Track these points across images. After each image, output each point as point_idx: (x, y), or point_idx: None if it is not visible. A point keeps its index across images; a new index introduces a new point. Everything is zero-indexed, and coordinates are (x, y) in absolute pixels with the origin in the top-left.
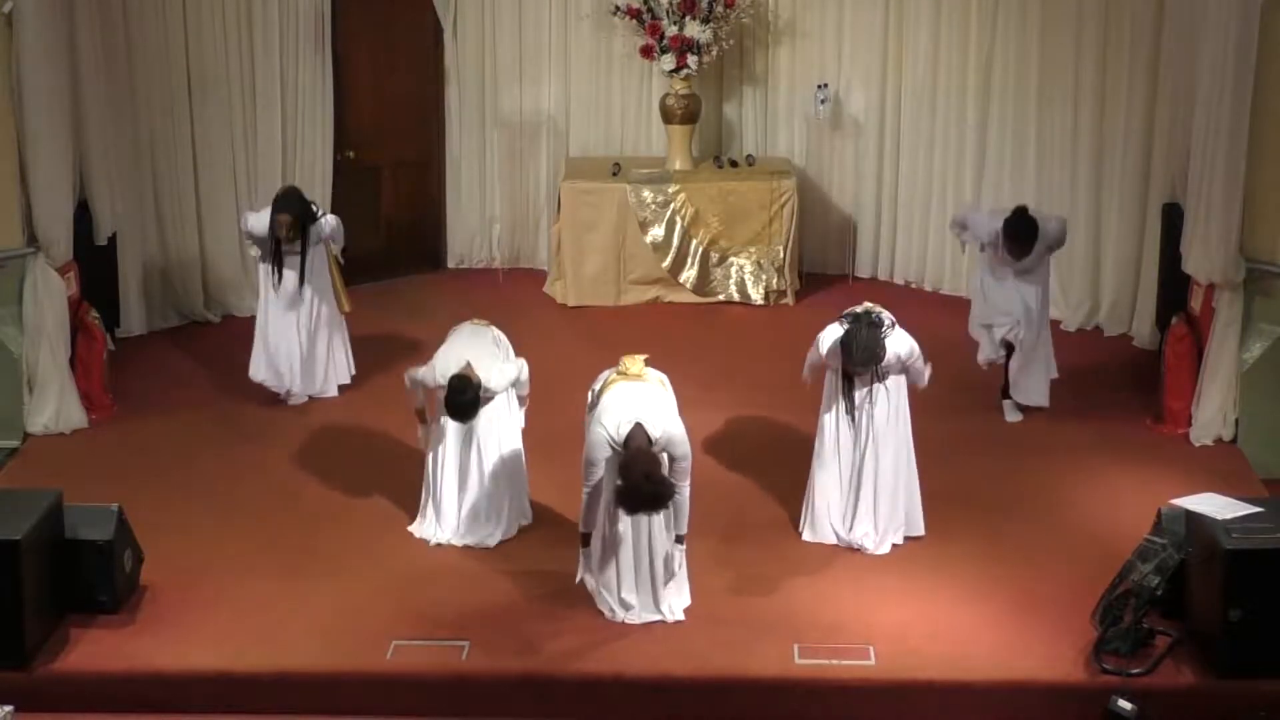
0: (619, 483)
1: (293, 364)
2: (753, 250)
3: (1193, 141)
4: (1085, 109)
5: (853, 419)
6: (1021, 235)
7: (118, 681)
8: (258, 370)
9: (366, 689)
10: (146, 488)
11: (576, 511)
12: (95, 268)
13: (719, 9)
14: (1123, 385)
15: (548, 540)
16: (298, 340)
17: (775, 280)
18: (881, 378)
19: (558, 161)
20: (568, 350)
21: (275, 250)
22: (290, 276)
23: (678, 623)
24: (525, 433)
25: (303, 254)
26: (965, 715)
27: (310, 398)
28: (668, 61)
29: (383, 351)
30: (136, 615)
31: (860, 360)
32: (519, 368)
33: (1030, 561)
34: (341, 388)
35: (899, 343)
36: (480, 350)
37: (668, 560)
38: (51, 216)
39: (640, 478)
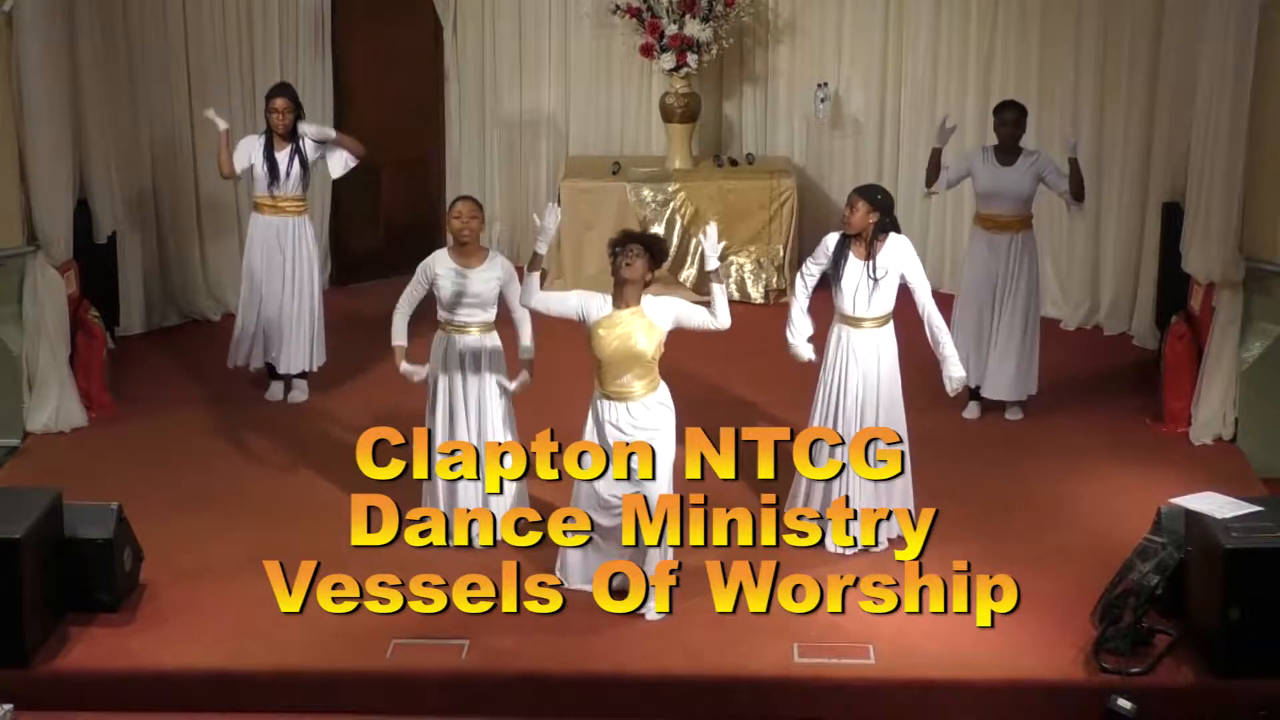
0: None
1: (281, 334)
2: (752, 249)
3: (1193, 141)
4: (1085, 109)
5: (850, 335)
6: (1013, 103)
7: (117, 680)
8: (239, 352)
9: (366, 688)
10: (146, 486)
11: None
12: (95, 266)
13: (719, 8)
14: (1122, 384)
15: (549, 539)
16: (284, 309)
17: (775, 279)
18: (878, 275)
19: (558, 160)
20: (567, 349)
21: (268, 144)
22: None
23: (677, 620)
24: (525, 433)
25: (297, 149)
26: (965, 715)
27: (291, 380)
28: (667, 60)
29: (382, 350)
30: (136, 614)
31: (859, 189)
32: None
33: (1030, 561)
34: (305, 374)
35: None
36: None
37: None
38: (51, 215)
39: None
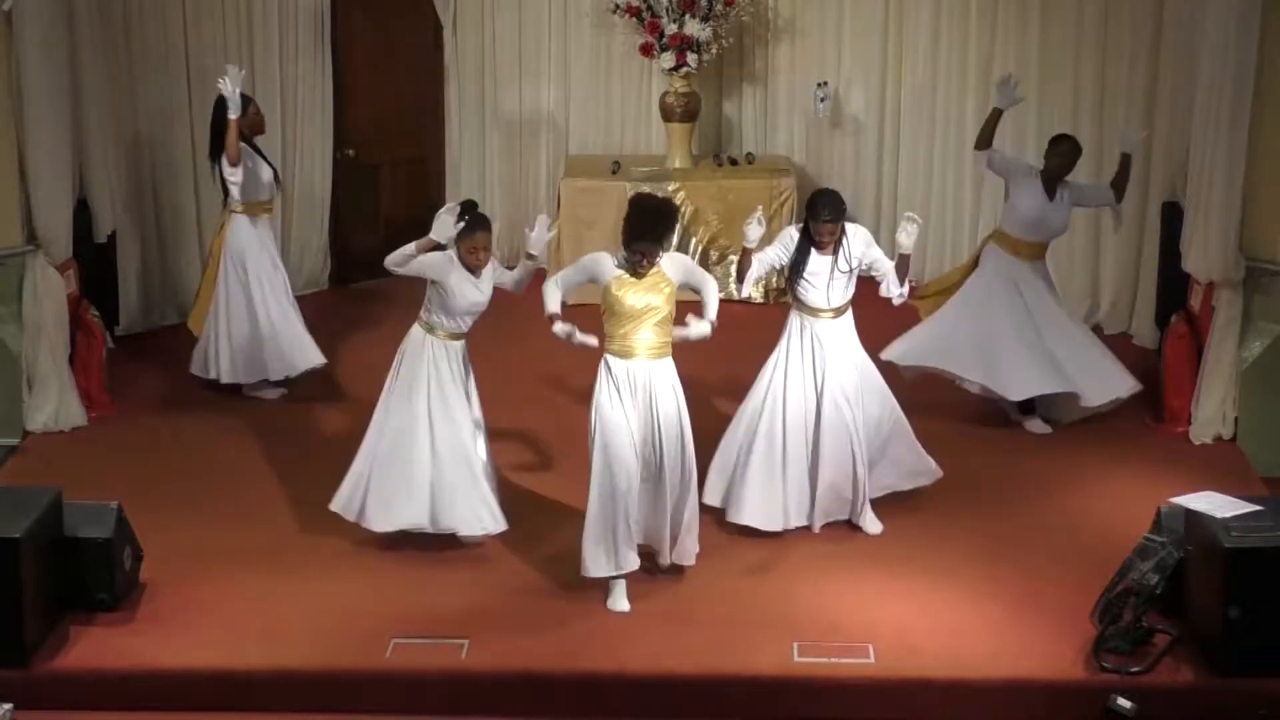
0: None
1: (287, 338)
2: None
3: (1193, 141)
4: (1085, 109)
5: (813, 330)
6: (1070, 137)
7: (117, 679)
8: (253, 365)
9: (366, 687)
10: (146, 486)
11: (582, 510)
12: (95, 265)
13: (718, 7)
14: None
15: (548, 539)
16: (288, 310)
17: (775, 279)
18: (847, 273)
19: (557, 159)
20: (566, 348)
21: (257, 152)
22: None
23: (678, 620)
24: (524, 433)
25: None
26: (965, 713)
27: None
28: (667, 59)
29: (383, 349)
30: (136, 613)
31: (829, 206)
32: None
33: (1030, 560)
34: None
35: (862, 229)
36: None
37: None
38: (51, 214)
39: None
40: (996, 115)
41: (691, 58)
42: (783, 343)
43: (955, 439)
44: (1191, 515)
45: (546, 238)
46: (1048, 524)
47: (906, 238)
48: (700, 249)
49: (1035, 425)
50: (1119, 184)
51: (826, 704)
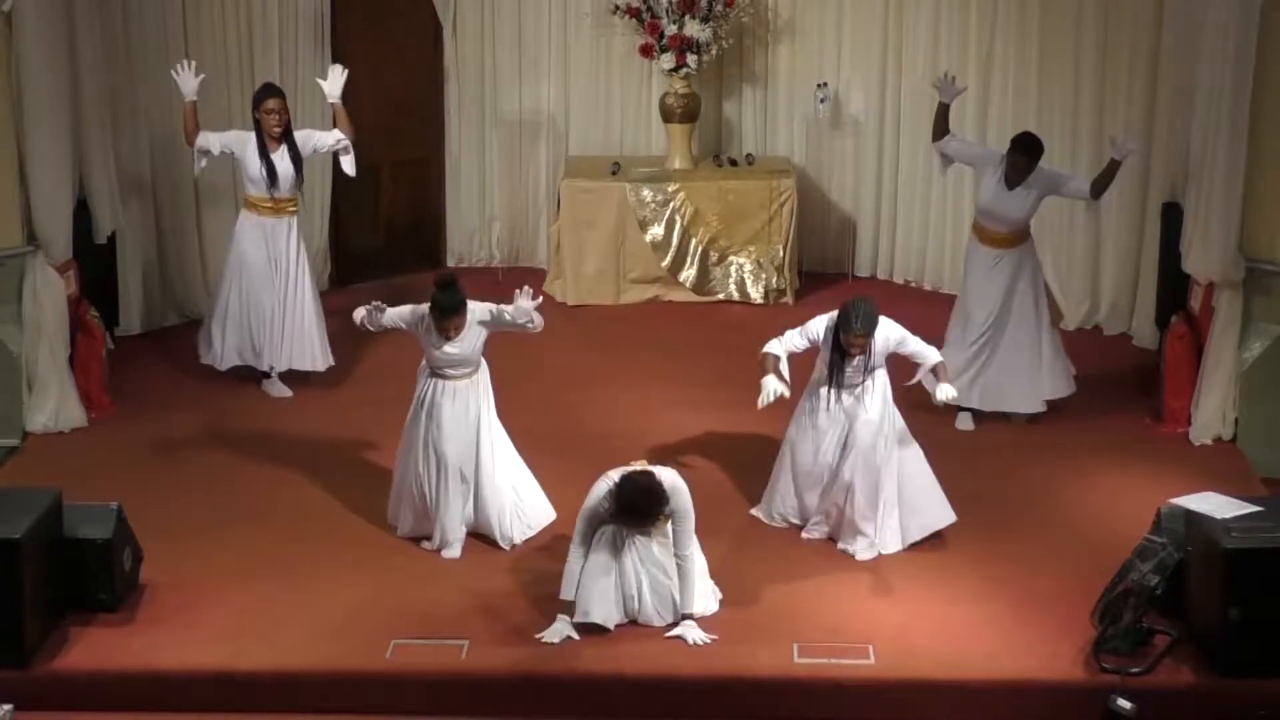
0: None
1: (271, 335)
2: (752, 249)
3: (1193, 141)
4: (1085, 109)
5: (839, 398)
6: (1028, 144)
7: (117, 680)
8: (226, 349)
9: (366, 688)
10: (146, 486)
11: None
12: (95, 266)
13: (718, 8)
14: (1122, 384)
15: (549, 539)
16: (277, 308)
17: (775, 279)
18: (868, 369)
19: (557, 160)
20: (568, 349)
21: (261, 146)
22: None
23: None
24: (527, 432)
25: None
26: (965, 714)
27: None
28: (667, 60)
29: (382, 350)
30: (136, 614)
31: (864, 319)
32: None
33: (1030, 561)
34: (309, 374)
35: (889, 328)
36: None
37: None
38: (51, 215)
39: (633, 482)
40: (943, 109)
41: (691, 59)
42: (812, 408)
43: (956, 440)
44: (1191, 516)
45: (529, 306)
46: (1048, 524)
47: (943, 395)
48: (700, 249)
49: (963, 421)
50: (1100, 184)
51: (827, 705)
